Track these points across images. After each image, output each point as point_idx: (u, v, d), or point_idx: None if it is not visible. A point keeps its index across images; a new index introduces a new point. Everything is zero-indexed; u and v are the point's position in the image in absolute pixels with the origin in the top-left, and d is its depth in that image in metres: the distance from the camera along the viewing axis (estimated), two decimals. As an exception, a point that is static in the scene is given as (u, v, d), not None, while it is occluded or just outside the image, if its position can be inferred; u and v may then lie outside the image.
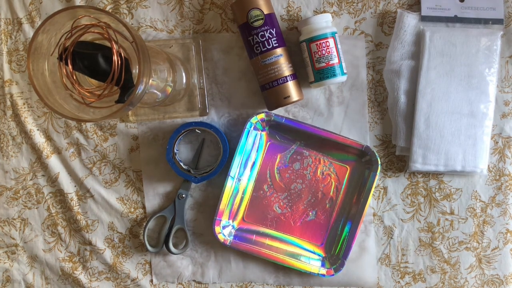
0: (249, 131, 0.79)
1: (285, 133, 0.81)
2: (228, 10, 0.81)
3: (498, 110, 0.80)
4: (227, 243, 0.80)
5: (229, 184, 0.79)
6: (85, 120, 0.64)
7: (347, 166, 0.82)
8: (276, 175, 0.82)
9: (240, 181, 0.81)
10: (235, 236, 0.81)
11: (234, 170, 0.80)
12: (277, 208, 0.82)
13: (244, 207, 0.82)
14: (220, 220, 0.80)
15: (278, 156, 0.82)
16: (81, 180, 0.84)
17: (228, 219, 0.81)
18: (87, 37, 0.61)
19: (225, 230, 0.81)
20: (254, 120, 0.79)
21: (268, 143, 0.82)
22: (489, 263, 0.82)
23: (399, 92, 0.79)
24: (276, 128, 0.81)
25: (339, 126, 0.82)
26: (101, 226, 0.85)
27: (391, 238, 0.83)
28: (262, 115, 0.79)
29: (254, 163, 0.82)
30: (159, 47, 0.78)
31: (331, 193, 0.82)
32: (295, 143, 0.82)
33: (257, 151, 0.82)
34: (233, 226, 0.82)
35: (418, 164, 0.78)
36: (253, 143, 0.81)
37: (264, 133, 0.82)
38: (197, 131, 0.82)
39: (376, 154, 0.79)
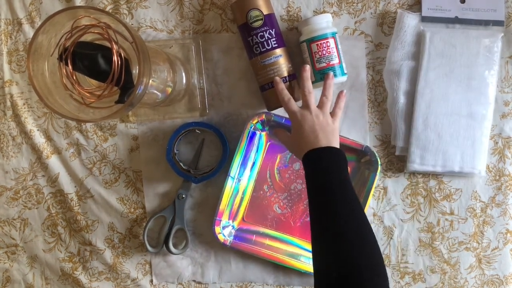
0: (249, 131, 0.79)
1: (285, 133, 0.81)
2: (228, 11, 0.81)
3: (498, 110, 0.80)
4: (227, 243, 0.80)
5: (229, 184, 0.79)
6: (85, 121, 0.65)
7: (347, 166, 0.82)
8: (276, 175, 0.82)
9: (240, 181, 0.81)
10: (235, 236, 0.81)
11: (234, 170, 0.80)
12: (277, 208, 0.82)
13: (244, 207, 0.82)
14: (220, 220, 0.80)
15: (278, 157, 0.82)
16: (81, 180, 0.84)
17: (228, 219, 0.81)
18: (87, 37, 0.61)
19: (225, 230, 0.80)
20: (254, 120, 0.79)
21: (268, 143, 0.82)
22: (489, 263, 0.82)
23: (398, 93, 0.79)
24: (276, 128, 0.81)
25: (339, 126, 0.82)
26: (101, 226, 0.85)
27: (391, 238, 0.83)
28: (262, 115, 0.79)
29: (254, 163, 0.82)
30: (159, 48, 0.78)
31: (331, 193, 0.82)
32: (295, 143, 0.82)
33: (257, 151, 0.82)
34: (233, 226, 0.82)
35: (416, 164, 0.78)
36: (253, 143, 0.81)
37: (264, 133, 0.82)
38: (197, 131, 0.82)
39: (376, 154, 0.79)
